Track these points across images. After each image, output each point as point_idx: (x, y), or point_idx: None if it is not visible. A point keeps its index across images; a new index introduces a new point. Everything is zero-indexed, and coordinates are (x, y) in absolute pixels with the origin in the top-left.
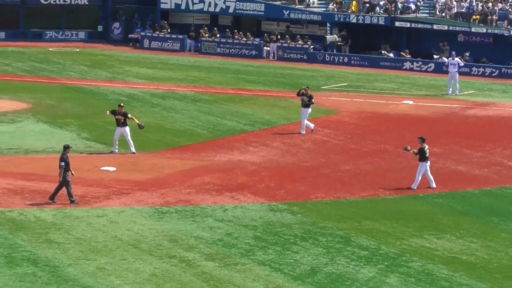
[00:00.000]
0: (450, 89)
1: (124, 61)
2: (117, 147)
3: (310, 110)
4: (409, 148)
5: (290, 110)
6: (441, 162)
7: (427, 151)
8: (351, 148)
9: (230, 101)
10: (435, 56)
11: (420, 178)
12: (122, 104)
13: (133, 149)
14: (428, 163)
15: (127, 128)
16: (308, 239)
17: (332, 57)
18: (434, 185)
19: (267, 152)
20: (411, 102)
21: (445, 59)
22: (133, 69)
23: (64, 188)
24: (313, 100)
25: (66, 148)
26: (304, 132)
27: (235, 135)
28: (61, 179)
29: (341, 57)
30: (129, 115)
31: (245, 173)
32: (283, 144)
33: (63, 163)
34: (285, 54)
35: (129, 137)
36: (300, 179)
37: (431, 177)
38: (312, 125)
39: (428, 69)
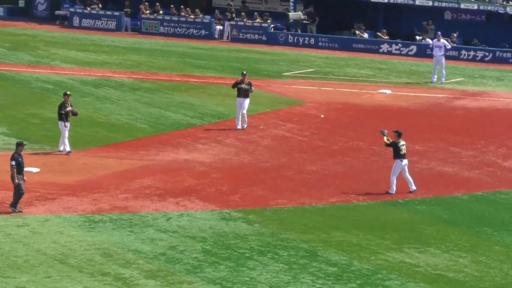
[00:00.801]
0: (435, 76)
1: (50, 43)
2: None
3: (248, 100)
4: (386, 132)
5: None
6: (425, 162)
7: (403, 147)
8: (318, 146)
9: (176, 89)
10: (417, 38)
11: (394, 179)
12: (69, 93)
13: (68, 148)
14: (405, 161)
15: (68, 124)
16: (266, 253)
17: (296, 38)
18: (413, 187)
19: (218, 150)
20: (389, 91)
21: (429, 41)
22: (61, 51)
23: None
24: (252, 89)
25: (19, 145)
26: (240, 127)
27: (181, 129)
28: (16, 182)
29: (307, 38)
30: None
31: (193, 175)
32: (238, 141)
33: (13, 163)
34: (241, 34)
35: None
36: (258, 182)
37: (410, 179)
38: (244, 124)
39: (409, 53)
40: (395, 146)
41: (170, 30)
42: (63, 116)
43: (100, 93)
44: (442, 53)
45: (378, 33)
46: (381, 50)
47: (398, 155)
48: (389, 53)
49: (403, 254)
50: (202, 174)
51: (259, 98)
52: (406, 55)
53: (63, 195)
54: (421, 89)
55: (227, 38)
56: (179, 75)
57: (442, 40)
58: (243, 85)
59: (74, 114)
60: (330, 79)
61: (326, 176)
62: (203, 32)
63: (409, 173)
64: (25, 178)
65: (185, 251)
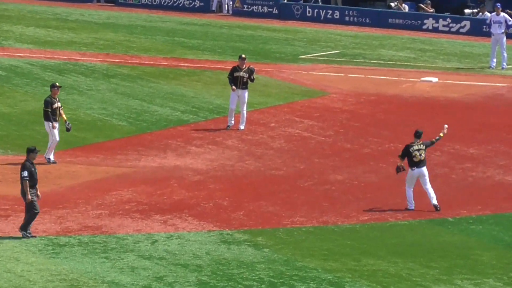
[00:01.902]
0: (494, 60)
1: (3, 17)
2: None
3: (247, 93)
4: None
5: (251, 90)
6: (480, 169)
7: (417, 153)
8: (345, 149)
9: (162, 77)
10: (469, 11)
11: (409, 192)
12: (58, 84)
13: (52, 157)
14: (419, 171)
15: (57, 124)
16: (279, 286)
17: (316, 11)
18: (434, 201)
19: (217, 154)
20: (434, 80)
21: (487, 15)
22: (16, 28)
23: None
24: (254, 77)
25: (31, 151)
26: (231, 125)
27: (170, 128)
28: (29, 198)
29: (330, 12)
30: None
31: (185, 185)
32: (242, 142)
33: (25, 173)
34: (245, 6)
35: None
36: (268, 195)
37: (430, 192)
38: (241, 125)
39: (461, 30)
40: (406, 151)
41: (154, 1)
42: (49, 114)
43: (65, 81)
44: (503, 30)
45: (421, 5)
46: (424, 27)
47: (410, 162)
48: (435, 30)
49: (453, 287)
50: (196, 185)
51: (268, 88)
52: (457, 32)
53: (19, 212)
54: (476, 77)
55: (228, 11)
56: (166, 58)
57: (503, 14)
58: (241, 73)
59: (68, 129)
60: (359, 64)
61: (355, 187)
62: (197, 3)
63: (435, 185)
64: (39, 193)
65: (175, 283)
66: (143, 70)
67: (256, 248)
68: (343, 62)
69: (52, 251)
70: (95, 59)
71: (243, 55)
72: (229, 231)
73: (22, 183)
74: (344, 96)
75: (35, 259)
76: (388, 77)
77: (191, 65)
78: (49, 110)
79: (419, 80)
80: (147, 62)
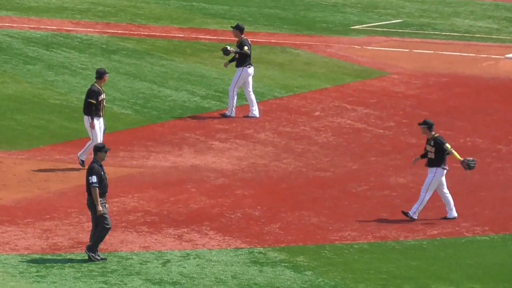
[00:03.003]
0: None
1: None
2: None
3: (251, 71)
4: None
5: (291, 69)
6: None
7: (448, 146)
8: (409, 144)
9: (177, 52)
10: None
11: (427, 197)
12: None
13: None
14: (445, 171)
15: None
16: None
17: None
18: (454, 213)
19: (247, 150)
20: None
21: None
22: None
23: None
24: (232, 49)
25: (99, 150)
26: (256, 114)
27: (186, 117)
28: (100, 210)
29: None
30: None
31: (205, 190)
32: (279, 136)
33: (94, 179)
34: None
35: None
36: (311, 202)
37: (449, 198)
38: (254, 110)
39: None
40: (440, 146)
41: None
42: (93, 108)
43: (54, 58)
44: None
45: None
46: None
47: (440, 159)
48: None
49: None
50: (220, 190)
51: (312, 66)
52: None
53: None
54: None
55: None
56: (182, 28)
57: None
58: (227, 47)
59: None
60: (427, 36)
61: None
62: None
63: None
64: (107, 204)
65: None
66: (153, 43)
67: (296, 270)
68: (407, 34)
69: (36, 274)
70: (91, 29)
71: (233, 25)
72: (261, 248)
73: (89, 191)
74: (408, 77)
75: (15, 284)
76: (463, 54)
77: (214, 37)
78: (94, 102)
79: (503, 57)
80: (158, 33)
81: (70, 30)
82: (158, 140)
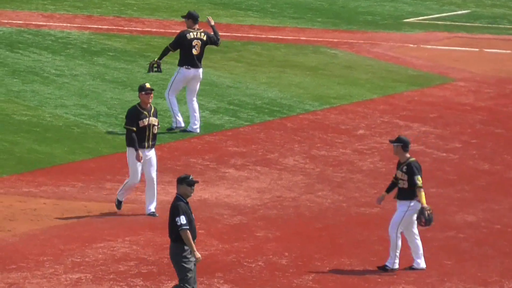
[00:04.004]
0: None
1: None
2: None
3: (191, 74)
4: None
5: (326, 75)
6: None
7: (399, 174)
8: (480, 171)
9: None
10: None
11: (399, 237)
12: (149, 86)
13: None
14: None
15: (153, 152)
16: None
17: None
18: (422, 264)
19: (271, 180)
20: None
21: None
22: None
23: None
24: (217, 37)
25: (186, 182)
26: (196, 129)
27: (191, 137)
28: (198, 256)
29: None
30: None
31: (218, 232)
32: (312, 161)
33: (183, 219)
34: None
35: (154, 174)
36: (354, 247)
37: (418, 242)
38: (194, 123)
39: None
40: (411, 171)
41: None
42: (132, 136)
43: (20, 62)
44: None
45: None
46: None
47: (409, 190)
48: None
49: None
50: (236, 231)
51: (354, 71)
52: None
53: None
54: None
55: None
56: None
57: None
58: (194, 37)
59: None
60: (502, 32)
61: (497, 235)
62: None
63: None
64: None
65: None
66: (148, 42)
67: None
68: (476, 28)
69: None
70: (69, 24)
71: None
72: None
73: (174, 236)
74: (478, 85)
75: None
76: None
77: (227, 33)
78: (134, 129)
79: None
80: (154, 29)
81: (41, 26)
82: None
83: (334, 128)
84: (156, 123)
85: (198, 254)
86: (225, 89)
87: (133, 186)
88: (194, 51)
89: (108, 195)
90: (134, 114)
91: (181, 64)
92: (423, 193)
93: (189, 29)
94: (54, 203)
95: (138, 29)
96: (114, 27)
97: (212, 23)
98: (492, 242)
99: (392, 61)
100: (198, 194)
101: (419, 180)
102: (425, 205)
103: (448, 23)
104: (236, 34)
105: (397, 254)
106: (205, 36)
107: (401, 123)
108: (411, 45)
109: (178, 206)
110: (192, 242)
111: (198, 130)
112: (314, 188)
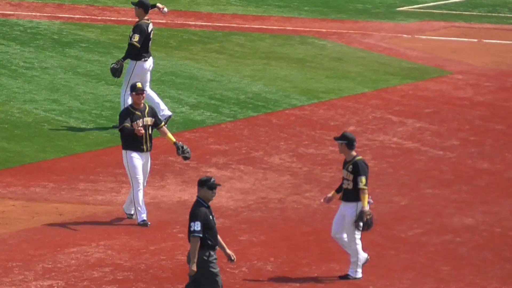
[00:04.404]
0: None
1: None
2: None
3: (148, 65)
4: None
5: (314, 67)
6: None
7: (363, 181)
8: (479, 171)
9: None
10: None
11: (358, 240)
12: (139, 85)
13: (143, 216)
14: (343, 206)
15: (149, 156)
16: None
17: None
18: (359, 272)
19: (255, 180)
20: None
21: None
22: None
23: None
24: (134, 40)
25: (206, 185)
26: (168, 112)
27: (171, 133)
28: (193, 269)
29: None
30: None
31: None
32: (299, 159)
33: (198, 225)
34: None
35: (145, 180)
36: (343, 252)
37: (357, 250)
38: (163, 109)
39: None
40: (356, 170)
41: None
42: (127, 139)
43: None
44: None
45: None
46: None
47: (355, 192)
48: None
49: None
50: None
51: (343, 63)
52: None
53: None
54: None
55: None
56: (180, 12)
57: None
58: (151, 29)
59: (185, 157)
60: (503, 20)
61: (497, 238)
62: None
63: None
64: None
65: None
66: (122, 33)
67: None
68: (475, 17)
69: None
70: (38, 13)
71: None
72: None
73: (192, 239)
74: (477, 78)
75: None
76: None
77: (208, 23)
78: (128, 124)
79: None
80: (130, 18)
81: (9, 15)
82: None
83: (322, 125)
84: (152, 123)
85: (194, 267)
86: (206, 82)
87: (140, 193)
88: (150, 43)
89: (81, 196)
90: (127, 115)
91: (138, 57)
92: (366, 196)
93: (145, 20)
94: (23, 205)
95: (112, 18)
96: (87, 17)
97: (166, 10)
98: (492, 246)
99: (384, 52)
100: (177, 195)
101: (362, 181)
102: (365, 208)
103: (445, 11)
104: (217, 24)
105: (360, 263)
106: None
107: (395, 119)
108: (405, 36)
109: (197, 212)
110: (196, 253)
111: (170, 112)
112: (302, 189)
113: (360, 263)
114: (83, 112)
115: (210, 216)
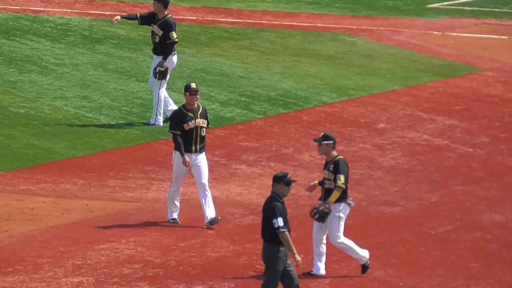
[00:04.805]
0: None
1: None
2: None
3: (176, 60)
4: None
5: (344, 64)
6: None
7: (342, 180)
8: (510, 168)
9: (188, 41)
10: None
11: (346, 240)
12: (194, 85)
13: (174, 215)
14: (349, 208)
15: (203, 157)
16: None
17: None
18: (322, 270)
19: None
20: None
21: None
22: None
23: None
24: (173, 36)
25: (282, 181)
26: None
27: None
28: (299, 259)
29: None
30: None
31: (229, 233)
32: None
33: (281, 221)
34: None
35: (205, 179)
36: (375, 248)
37: (323, 248)
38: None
39: None
40: (336, 168)
41: None
42: (178, 140)
43: (17, 50)
44: None
45: None
46: None
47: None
48: None
49: None
50: (249, 232)
51: (374, 60)
52: None
53: None
54: None
55: None
56: (194, 8)
57: None
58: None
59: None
60: None
61: None
62: None
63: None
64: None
65: None
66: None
67: None
68: (506, 14)
69: None
70: (69, 10)
71: None
72: None
73: (270, 237)
74: (508, 75)
75: None
76: None
77: (239, 20)
78: (178, 133)
79: None
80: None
81: (39, 11)
82: (162, 163)
83: (352, 122)
84: (205, 125)
85: (298, 257)
86: (236, 79)
87: (176, 195)
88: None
89: (111, 193)
90: (178, 117)
91: (172, 52)
92: (338, 194)
93: (170, 15)
94: (53, 202)
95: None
96: (117, 13)
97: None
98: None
99: (415, 49)
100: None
101: (340, 180)
102: (329, 203)
103: (475, 8)
104: (248, 21)
105: (359, 251)
106: None
107: (425, 116)
108: (436, 33)
109: (274, 207)
110: (292, 246)
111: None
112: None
113: (359, 251)
114: (113, 109)
115: (286, 212)
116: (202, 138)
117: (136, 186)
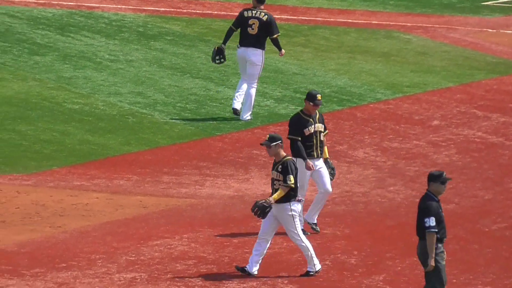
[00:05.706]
0: None
1: None
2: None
3: (259, 55)
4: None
5: (399, 62)
6: None
7: (291, 179)
8: None
9: None
10: None
11: (303, 237)
12: (319, 96)
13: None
14: (300, 204)
15: (322, 162)
16: None
17: None
18: (255, 269)
19: (340, 173)
20: None
21: None
22: None
23: None
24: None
25: (439, 180)
26: (239, 113)
27: (254, 127)
28: (432, 264)
29: None
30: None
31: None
32: (384, 153)
33: (433, 221)
34: None
35: (329, 185)
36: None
37: (264, 247)
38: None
39: None
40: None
41: None
42: (299, 146)
43: (72, 46)
44: None
45: None
46: None
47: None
48: None
49: None
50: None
51: (428, 58)
52: None
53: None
54: None
55: None
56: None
57: None
58: (251, 15)
59: (331, 174)
60: None
61: None
62: None
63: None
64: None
65: None
66: (208, 26)
67: None
68: None
69: None
70: (123, 6)
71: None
72: None
73: (422, 234)
74: None
75: None
76: None
77: (294, 17)
78: (299, 138)
79: None
80: (215, 11)
81: (94, 7)
82: (216, 159)
83: (407, 119)
84: (323, 129)
85: (432, 262)
86: (291, 76)
87: (302, 201)
88: (250, 30)
89: (165, 189)
90: (298, 123)
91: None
92: (282, 193)
93: (248, 8)
94: (107, 198)
95: (197, 11)
96: (172, 9)
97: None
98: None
99: (469, 47)
100: (261, 188)
101: (290, 180)
102: (271, 200)
103: None
104: (302, 18)
105: (314, 258)
106: (266, 17)
107: (479, 113)
108: (490, 30)
109: (430, 206)
110: (434, 248)
111: (247, 118)
112: (386, 183)
113: (313, 255)
114: (167, 105)
115: (440, 210)
116: (322, 143)
117: (190, 182)
